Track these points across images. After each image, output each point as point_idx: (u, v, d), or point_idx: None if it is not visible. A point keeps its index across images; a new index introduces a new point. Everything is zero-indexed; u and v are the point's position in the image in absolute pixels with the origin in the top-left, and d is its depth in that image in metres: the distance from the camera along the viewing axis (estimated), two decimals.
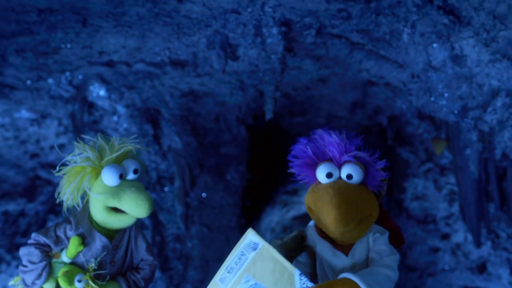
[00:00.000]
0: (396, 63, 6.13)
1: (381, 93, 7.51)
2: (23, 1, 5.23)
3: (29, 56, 6.22)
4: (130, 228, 3.24)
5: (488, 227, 7.68)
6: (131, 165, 3.10)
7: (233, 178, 8.89)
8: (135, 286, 3.22)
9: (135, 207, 2.99)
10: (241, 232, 8.66)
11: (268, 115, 6.02)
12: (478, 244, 7.60)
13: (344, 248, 2.80)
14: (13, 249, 9.20)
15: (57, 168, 3.11)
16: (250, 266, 2.64)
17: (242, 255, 2.69)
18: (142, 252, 3.26)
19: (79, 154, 3.07)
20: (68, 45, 6.05)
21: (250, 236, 2.71)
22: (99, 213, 3.07)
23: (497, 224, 7.81)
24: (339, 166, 2.71)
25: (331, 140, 2.72)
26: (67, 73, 6.91)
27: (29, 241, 3.14)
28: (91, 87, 7.32)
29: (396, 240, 2.90)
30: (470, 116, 5.84)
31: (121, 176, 3.04)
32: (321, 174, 2.71)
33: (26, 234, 9.22)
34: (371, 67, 6.30)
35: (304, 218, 13.21)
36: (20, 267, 3.13)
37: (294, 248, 2.89)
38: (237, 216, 8.99)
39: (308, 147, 2.79)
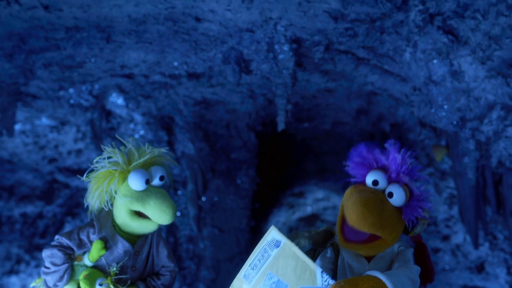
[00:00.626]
0: (399, 77, 6.32)
1: (384, 102, 7.69)
2: (52, 20, 5.55)
3: (55, 69, 6.51)
4: (152, 234, 3.17)
5: (486, 229, 7.82)
6: (158, 172, 3.05)
7: (243, 182, 9.03)
8: None
9: (159, 213, 2.94)
10: (251, 233, 8.94)
11: (280, 127, 6.21)
12: (476, 245, 7.71)
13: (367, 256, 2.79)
14: (31, 249, 9.48)
15: (85, 175, 3.09)
16: (273, 263, 2.63)
17: (265, 252, 2.67)
18: (163, 259, 3.19)
19: (108, 158, 3.05)
20: (92, 60, 6.35)
21: (273, 233, 2.68)
22: (122, 217, 3.02)
23: (494, 226, 7.99)
24: (389, 182, 2.70)
25: (395, 155, 2.68)
26: (88, 84, 7.21)
27: (52, 243, 3.08)
28: (110, 97, 7.61)
29: (424, 277, 2.84)
30: (468, 126, 5.97)
31: (147, 181, 3.00)
32: (370, 178, 2.71)
33: (44, 235, 9.52)
34: (376, 81, 6.52)
35: (308, 220, 13.45)
36: (43, 269, 3.07)
37: (322, 241, 2.90)
38: (247, 218, 9.10)
39: (371, 151, 2.76)
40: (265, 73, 6.33)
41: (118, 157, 3.03)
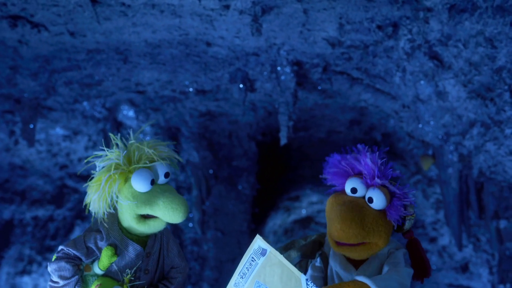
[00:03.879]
0: (390, 95, 6.68)
1: (376, 114, 7.97)
2: (76, 44, 5.98)
3: (75, 87, 6.95)
4: (161, 232, 2.91)
5: (469, 232, 8.15)
6: (162, 169, 2.77)
7: (244, 187, 9.34)
8: None
9: (170, 212, 2.69)
10: (251, 236, 9.35)
11: (283, 141, 6.58)
12: (460, 247, 7.96)
13: (356, 262, 2.73)
14: (43, 251, 9.68)
15: (88, 181, 2.83)
16: (260, 271, 2.60)
17: (252, 260, 2.63)
18: (173, 258, 2.94)
19: (106, 157, 2.78)
20: (110, 78, 6.78)
21: (258, 242, 2.64)
22: (129, 221, 2.77)
23: (477, 230, 8.38)
24: (367, 187, 2.64)
25: (366, 160, 2.65)
26: (102, 98, 7.63)
27: (58, 255, 2.77)
28: (121, 110, 8.04)
29: (420, 272, 2.80)
30: (451, 141, 6.31)
31: (153, 182, 2.73)
32: (348, 187, 2.66)
33: (55, 237, 9.73)
34: (368, 98, 6.88)
35: (303, 222, 13.64)
36: (50, 284, 2.78)
37: (310, 253, 2.82)
38: (248, 222, 9.41)
39: (345, 158, 2.72)
40: (268, 91, 6.74)
41: (116, 156, 2.76)
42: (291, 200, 11.98)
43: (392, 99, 6.76)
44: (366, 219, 2.58)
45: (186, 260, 3.04)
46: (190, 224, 9.01)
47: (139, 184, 2.70)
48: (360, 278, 2.43)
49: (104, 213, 2.76)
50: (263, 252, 2.62)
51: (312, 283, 2.49)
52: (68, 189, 9.81)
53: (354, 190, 2.67)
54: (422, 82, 5.87)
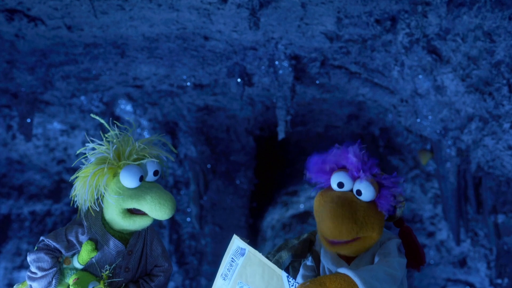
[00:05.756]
0: (388, 89, 6.67)
1: (374, 109, 8.00)
2: (73, 38, 5.95)
3: (72, 81, 6.93)
4: (145, 231, 2.90)
5: (467, 227, 8.13)
6: (152, 166, 2.74)
7: (242, 182, 9.36)
8: None
9: (157, 207, 2.65)
10: (249, 230, 9.35)
11: (280, 136, 6.56)
12: (458, 242, 7.98)
13: (348, 258, 2.67)
14: None
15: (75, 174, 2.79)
16: (241, 272, 2.56)
17: (232, 261, 2.60)
18: (156, 257, 2.92)
19: (96, 150, 2.75)
20: (107, 72, 6.76)
21: (236, 242, 2.61)
22: (114, 216, 2.72)
23: (475, 224, 8.39)
24: (354, 180, 2.58)
25: (351, 153, 2.59)
26: (99, 92, 7.61)
27: (38, 246, 2.73)
28: (119, 104, 8.03)
29: (415, 261, 2.74)
30: (450, 135, 6.31)
31: (141, 178, 2.70)
32: (334, 182, 2.60)
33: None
34: (366, 93, 6.88)
35: (301, 217, 13.61)
36: (28, 274, 2.73)
37: (301, 252, 2.79)
38: (246, 217, 9.42)
39: (326, 155, 2.66)
40: (266, 86, 6.72)
41: (107, 151, 2.73)
42: (289, 194, 11.96)
43: (390, 93, 6.74)
44: (357, 213, 2.51)
45: (170, 260, 2.99)
46: (188, 219, 9.02)
47: (128, 180, 2.68)
48: (342, 270, 2.34)
49: (90, 206, 2.72)
50: (242, 252, 2.59)
51: (293, 279, 2.45)
52: (65, 183, 9.77)
53: (340, 185, 2.59)
54: (420, 76, 5.85)
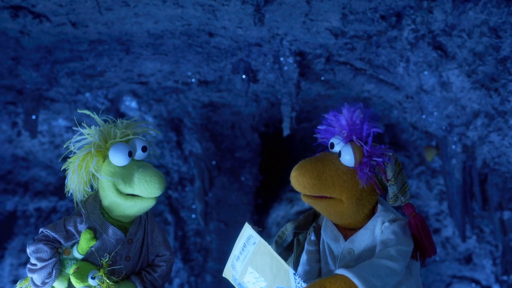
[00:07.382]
0: (393, 85, 6.66)
1: (380, 105, 7.95)
2: (78, 34, 5.98)
3: (77, 78, 6.94)
4: (145, 220, 2.87)
5: (473, 223, 8.15)
6: (139, 143, 2.73)
7: (247, 179, 9.38)
8: (151, 286, 2.85)
9: (145, 186, 2.62)
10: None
11: (285, 132, 6.59)
12: (463, 238, 7.98)
13: (347, 232, 2.65)
14: None
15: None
16: (252, 259, 2.57)
17: (244, 247, 2.61)
18: (158, 246, 2.89)
19: (82, 139, 2.76)
20: (112, 69, 6.78)
21: (248, 230, 2.62)
22: (112, 199, 2.70)
23: (481, 221, 8.41)
24: (345, 143, 2.54)
25: (343, 116, 2.57)
26: (104, 89, 7.64)
27: (37, 237, 2.73)
28: (124, 101, 8.05)
29: (421, 252, 2.59)
30: (455, 132, 6.31)
31: (130, 154, 2.68)
32: (330, 142, 2.62)
33: None
34: (372, 89, 6.87)
35: (306, 212, 13.68)
36: (29, 266, 2.72)
37: (303, 224, 2.82)
38: (251, 213, 9.45)
39: (335, 116, 2.62)
40: (271, 82, 6.73)
41: (92, 135, 2.74)
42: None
43: (395, 89, 6.74)
44: (326, 171, 2.51)
45: (171, 249, 2.98)
46: (193, 216, 9.04)
47: (117, 158, 2.66)
48: (341, 271, 2.28)
49: (84, 193, 2.74)
50: (254, 241, 2.58)
51: (300, 278, 2.43)
52: None
53: (331, 145, 2.60)
54: (425, 72, 5.85)
